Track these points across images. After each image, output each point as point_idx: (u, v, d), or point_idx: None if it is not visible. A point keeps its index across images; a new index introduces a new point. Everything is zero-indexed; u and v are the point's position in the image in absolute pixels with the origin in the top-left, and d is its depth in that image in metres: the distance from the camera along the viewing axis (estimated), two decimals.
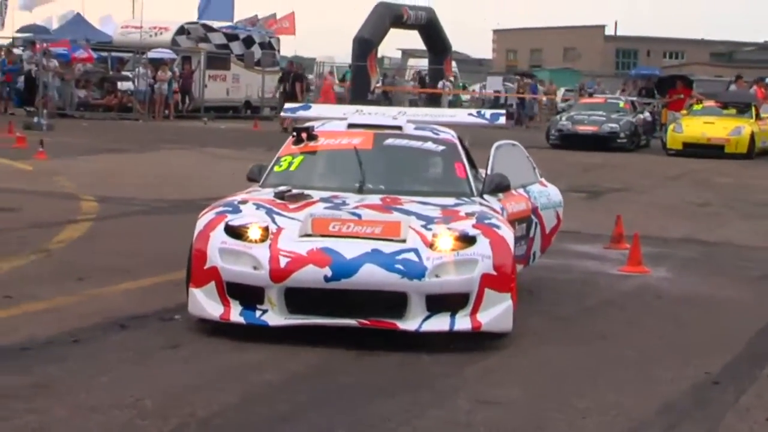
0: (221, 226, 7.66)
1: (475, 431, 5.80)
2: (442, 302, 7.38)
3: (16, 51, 37.11)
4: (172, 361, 6.96)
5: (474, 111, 10.68)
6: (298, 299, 7.38)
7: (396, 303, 7.34)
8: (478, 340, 7.51)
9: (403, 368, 6.99)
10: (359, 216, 7.80)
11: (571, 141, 28.92)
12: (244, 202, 8.06)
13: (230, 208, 7.91)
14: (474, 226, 7.68)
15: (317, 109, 10.65)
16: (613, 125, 29.18)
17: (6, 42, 40.87)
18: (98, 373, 6.58)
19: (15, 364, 6.71)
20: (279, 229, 7.61)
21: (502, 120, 10.16)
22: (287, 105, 10.69)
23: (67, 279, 9.24)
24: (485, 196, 8.64)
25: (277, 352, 7.18)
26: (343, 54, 50.51)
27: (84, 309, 8.23)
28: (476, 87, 56.30)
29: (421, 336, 7.37)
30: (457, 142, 9.07)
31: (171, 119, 36.13)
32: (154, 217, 13.71)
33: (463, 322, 7.39)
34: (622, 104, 31.25)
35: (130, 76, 36.94)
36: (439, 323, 7.37)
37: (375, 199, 8.19)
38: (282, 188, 8.31)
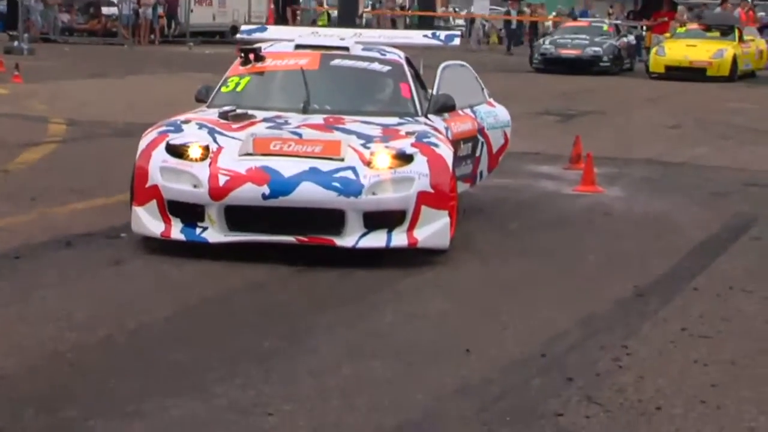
0: (162, 145, 7.77)
1: (393, 341, 5.96)
2: (379, 219, 7.51)
3: None
4: (112, 277, 7.11)
5: (429, 32, 10.72)
6: (237, 217, 7.51)
7: (333, 220, 7.47)
8: (418, 256, 7.66)
9: (339, 283, 7.15)
10: (300, 135, 7.90)
11: (554, 65, 28.85)
12: (187, 121, 8.16)
13: (173, 128, 8.01)
14: (412, 145, 7.78)
15: (273, 31, 10.68)
16: (596, 49, 29.09)
17: None
18: (35, 288, 6.72)
19: None
20: (219, 149, 7.71)
21: (457, 41, 10.22)
22: (244, 27, 10.74)
23: (20, 199, 9.35)
24: (430, 116, 8.72)
25: (217, 269, 7.32)
26: None
27: (32, 228, 8.36)
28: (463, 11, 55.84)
29: (361, 252, 7.51)
30: (404, 62, 9.14)
31: (156, 44, 35.98)
32: (120, 140, 13.70)
33: (399, 239, 7.53)
34: (605, 28, 31.10)
35: (114, 0, 36.73)
36: (376, 240, 7.51)
37: (318, 119, 8.28)
38: (226, 108, 8.40)
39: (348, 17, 41.90)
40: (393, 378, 5.41)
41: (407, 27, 43.93)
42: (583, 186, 10.83)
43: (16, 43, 28.99)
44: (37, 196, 9.51)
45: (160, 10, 37.16)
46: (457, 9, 54.70)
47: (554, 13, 49.24)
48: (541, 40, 31.36)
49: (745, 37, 29.09)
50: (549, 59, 29.18)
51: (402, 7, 49.68)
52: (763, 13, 37.38)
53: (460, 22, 51.46)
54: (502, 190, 10.64)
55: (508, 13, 41.16)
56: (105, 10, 37.11)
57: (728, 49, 27.85)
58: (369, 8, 46.56)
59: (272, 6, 41.54)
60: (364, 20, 44.61)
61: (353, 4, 43.37)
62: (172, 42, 36.84)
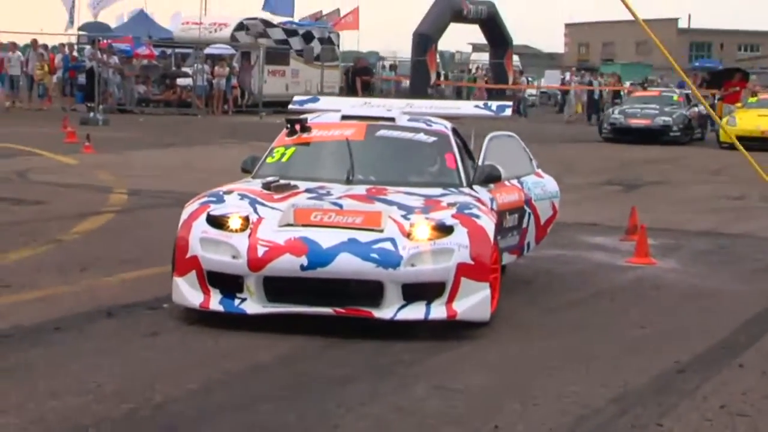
0: (203, 216, 7.80)
1: (421, 418, 5.86)
2: (418, 291, 7.44)
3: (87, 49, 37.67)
4: (147, 349, 7.09)
5: (480, 103, 10.69)
6: (276, 288, 7.49)
7: (372, 292, 7.42)
8: (456, 329, 7.56)
9: (373, 356, 7.05)
10: (341, 206, 7.89)
11: (623, 134, 28.77)
12: (229, 192, 8.19)
13: (214, 198, 8.04)
14: (453, 216, 7.73)
15: (325, 101, 10.72)
16: (666, 118, 28.95)
17: (71, 40, 41.55)
18: (69, 360, 6.72)
19: None
20: (259, 219, 7.72)
21: (508, 112, 10.16)
22: (296, 97, 10.79)
23: (70, 269, 9.43)
24: (475, 186, 8.67)
25: (253, 340, 7.28)
26: (406, 47, 50.62)
27: (77, 298, 8.41)
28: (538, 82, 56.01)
29: (399, 324, 7.44)
30: (450, 133, 9.11)
31: (229, 114, 36.46)
32: (179, 210, 13.83)
33: (438, 311, 7.45)
34: (675, 97, 30.95)
35: (189, 72, 37.36)
36: (415, 312, 7.43)
37: (361, 189, 8.27)
38: (270, 179, 8.42)
39: (420, 88, 42.15)
40: None
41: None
42: (636, 258, 10.67)
43: (92, 114, 29.55)
44: (87, 266, 9.58)
45: (234, 81, 37.70)
46: (530, 79, 54.89)
47: (629, 83, 49.07)
48: (610, 110, 31.24)
49: None
50: (618, 129, 29.07)
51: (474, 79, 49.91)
52: None
53: (533, 92, 51.60)
54: (553, 261, 10.53)
55: (590, 83, 41.03)
56: (180, 81, 37.76)
57: None
58: (440, 79, 46.77)
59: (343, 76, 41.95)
60: (437, 90, 44.87)
61: (425, 74, 43.62)
62: (246, 112, 37.31)
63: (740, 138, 27.16)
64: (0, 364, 6.57)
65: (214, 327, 7.51)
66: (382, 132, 9.00)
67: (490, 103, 10.60)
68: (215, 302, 7.59)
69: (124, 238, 11.30)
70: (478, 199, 8.31)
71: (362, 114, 9.27)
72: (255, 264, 7.45)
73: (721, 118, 29.58)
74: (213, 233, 7.68)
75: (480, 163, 8.98)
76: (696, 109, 30.75)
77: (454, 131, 9.24)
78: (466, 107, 10.80)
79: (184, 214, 7.96)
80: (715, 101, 33.21)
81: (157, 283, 8.90)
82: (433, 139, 9.01)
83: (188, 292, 7.67)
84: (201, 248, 7.63)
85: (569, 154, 23.83)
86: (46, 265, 9.63)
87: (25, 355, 6.82)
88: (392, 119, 9.14)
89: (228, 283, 7.57)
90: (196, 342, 7.25)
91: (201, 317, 7.66)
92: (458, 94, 47.10)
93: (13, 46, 35.70)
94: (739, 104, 29.75)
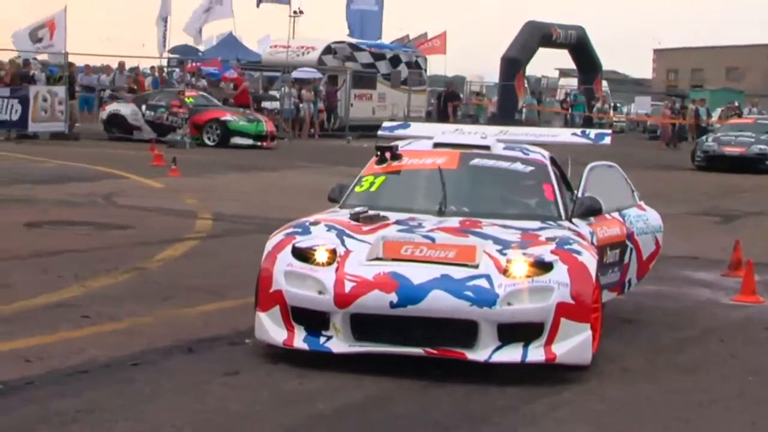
0: (288, 248, 7.43)
1: None
2: (514, 332, 6.99)
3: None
4: (227, 389, 6.71)
5: (578, 131, 10.22)
6: (363, 325, 7.08)
7: (466, 331, 6.98)
8: (556, 373, 7.10)
9: (468, 400, 6.62)
10: (433, 239, 7.47)
11: (717, 163, 28.01)
12: (316, 223, 7.80)
13: (300, 230, 7.66)
14: (552, 252, 7.26)
15: (415, 128, 10.31)
16: (762, 146, 28.14)
17: (160, 63, 41.73)
18: (147, 400, 6.38)
19: (67, 388, 6.55)
20: (347, 252, 7.32)
21: (607, 140, 9.70)
22: (386, 123, 10.43)
23: (151, 299, 9.11)
24: (574, 220, 8.21)
25: (340, 381, 6.88)
26: (493, 72, 50.13)
27: (156, 331, 8.08)
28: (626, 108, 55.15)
29: (494, 367, 6.99)
30: (548, 162, 8.66)
31: (316, 138, 36.28)
32: (264, 237, 13.51)
33: (536, 354, 6.99)
34: None
35: (277, 95, 37.27)
36: (511, 354, 6.98)
37: (453, 221, 7.85)
38: (358, 209, 8.02)
39: (508, 112, 41.74)
40: None
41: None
42: (742, 296, 10.09)
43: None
44: (169, 296, 9.27)
45: (321, 105, 37.53)
46: (618, 105, 54.11)
47: (719, 110, 48.03)
48: (704, 137, 30.49)
49: None
50: (712, 156, 28.34)
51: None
52: None
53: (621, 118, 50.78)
54: (655, 297, 10.00)
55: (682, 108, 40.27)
56: (267, 104, 37.66)
57: None
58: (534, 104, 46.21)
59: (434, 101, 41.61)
60: (524, 115, 44.37)
61: (513, 99, 43.19)
62: (332, 136, 37.10)
63: None
64: (75, 403, 6.24)
65: (298, 366, 7.13)
66: (477, 161, 8.57)
67: (588, 130, 10.13)
68: (299, 340, 7.20)
69: (207, 267, 10.97)
70: (579, 234, 7.84)
71: (456, 141, 8.84)
72: (342, 300, 7.06)
73: None
74: (298, 266, 7.29)
75: (579, 194, 8.51)
76: None
77: (552, 160, 8.78)
78: (564, 135, 10.33)
79: (269, 246, 7.59)
80: None
81: (240, 315, 8.54)
82: (530, 168, 8.56)
83: (271, 328, 7.29)
84: (286, 282, 7.25)
85: (662, 182, 23.17)
86: (126, 294, 9.32)
87: (100, 393, 6.48)
88: (487, 147, 8.70)
89: (313, 320, 7.18)
90: (279, 382, 6.85)
91: (285, 354, 7.28)
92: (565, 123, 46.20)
93: (109, 70, 36.01)
94: None
